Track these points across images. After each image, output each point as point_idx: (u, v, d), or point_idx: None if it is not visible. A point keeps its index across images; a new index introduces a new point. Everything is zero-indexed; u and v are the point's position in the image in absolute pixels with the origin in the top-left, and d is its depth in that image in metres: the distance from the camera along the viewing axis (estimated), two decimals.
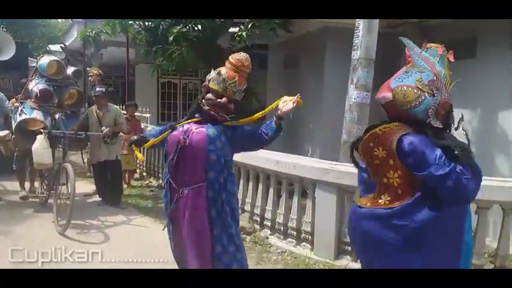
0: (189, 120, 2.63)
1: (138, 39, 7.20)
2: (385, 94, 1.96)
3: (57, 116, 5.14)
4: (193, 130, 2.54)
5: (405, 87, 1.91)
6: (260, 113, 2.75)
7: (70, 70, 5.37)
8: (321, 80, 6.58)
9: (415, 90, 1.90)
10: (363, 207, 2.02)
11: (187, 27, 6.07)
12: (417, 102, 1.89)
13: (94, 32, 6.99)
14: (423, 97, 1.89)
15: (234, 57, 2.62)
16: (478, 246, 3.43)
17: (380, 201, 1.96)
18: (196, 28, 6.38)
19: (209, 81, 2.59)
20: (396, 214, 1.87)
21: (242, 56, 2.63)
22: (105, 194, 5.57)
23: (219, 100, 2.56)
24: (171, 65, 6.43)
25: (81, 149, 5.92)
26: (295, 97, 2.56)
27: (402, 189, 1.89)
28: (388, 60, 6.34)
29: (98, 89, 5.62)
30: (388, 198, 1.93)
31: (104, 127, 5.29)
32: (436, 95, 1.91)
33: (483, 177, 1.82)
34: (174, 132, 2.57)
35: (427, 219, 1.81)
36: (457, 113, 2.02)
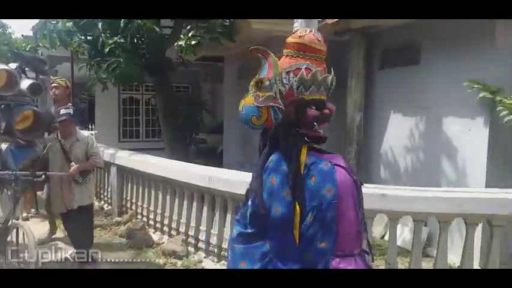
0: None
1: (80, 53, 6.86)
2: None
3: (3, 147, 4.03)
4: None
5: None
6: None
7: (25, 84, 3.85)
8: None
9: None
10: None
11: (125, 39, 5.78)
12: None
13: (30, 46, 6.62)
14: None
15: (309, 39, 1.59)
16: (440, 262, 3.26)
17: None
18: (136, 40, 6.11)
19: (299, 91, 1.57)
20: None
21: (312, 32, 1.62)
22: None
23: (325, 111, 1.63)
24: (110, 78, 6.10)
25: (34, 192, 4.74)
26: None
27: None
28: (334, 68, 6.22)
29: (63, 111, 3.94)
30: None
31: (72, 163, 3.94)
32: None
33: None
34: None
35: None
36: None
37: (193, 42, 6.23)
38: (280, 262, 1.49)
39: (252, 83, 1.67)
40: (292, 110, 1.58)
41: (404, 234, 5.07)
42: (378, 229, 5.36)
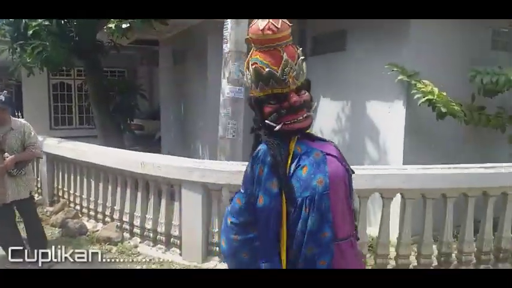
0: None
1: (0, 35, 6.41)
2: None
3: None
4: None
5: None
6: None
7: None
8: (205, 75, 6.38)
9: None
10: None
11: (51, 21, 5.49)
12: None
13: None
14: None
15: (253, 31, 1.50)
16: (382, 237, 3.51)
17: None
18: (64, 22, 5.83)
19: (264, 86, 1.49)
20: None
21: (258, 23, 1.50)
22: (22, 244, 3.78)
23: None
24: (36, 62, 5.78)
25: None
26: None
27: None
28: None
29: None
30: None
31: (6, 154, 3.61)
32: None
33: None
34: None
35: None
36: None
37: (124, 25, 6.04)
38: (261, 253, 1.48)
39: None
40: (253, 108, 1.54)
41: None
42: None
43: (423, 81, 4.26)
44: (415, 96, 4.30)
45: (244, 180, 1.55)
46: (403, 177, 3.48)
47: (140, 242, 4.18)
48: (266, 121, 1.50)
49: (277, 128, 1.47)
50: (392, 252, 3.65)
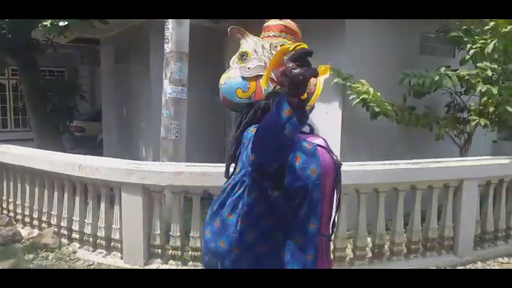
0: None
1: None
2: None
3: None
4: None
5: None
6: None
7: None
8: (148, 75, 6.28)
9: None
10: None
11: None
12: None
13: None
14: None
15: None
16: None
17: None
18: None
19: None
20: None
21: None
22: None
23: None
24: None
25: None
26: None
27: None
28: (210, 54, 6.39)
29: None
30: None
31: None
32: None
33: None
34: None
35: None
36: None
37: (61, 23, 5.80)
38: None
39: (233, 58, 1.69)
40: (283, 80, 1.38)
41: None
42: None
43: (360, 80, 4.47)
44: (350, 97, 4.51)
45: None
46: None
47: (79, 248, 4.05)
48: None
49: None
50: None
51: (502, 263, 4.09)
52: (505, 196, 4.28)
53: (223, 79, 1.68)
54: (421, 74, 4.48)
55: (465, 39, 4.70)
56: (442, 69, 4.55)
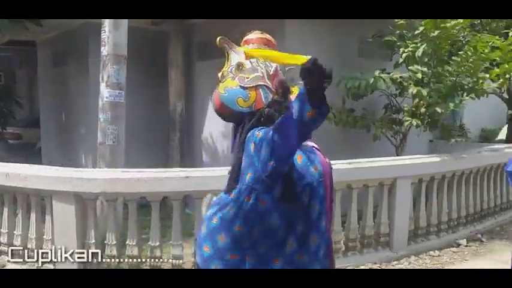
0: None
1: None
2: None
3: None
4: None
5: None
6: None
7: None
8: (87, 78, 6.05)
9: None
10: None
11: None
12: None
13: None
14: None
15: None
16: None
17: None
18: None
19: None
20: None
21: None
22: None
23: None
24: None
25: None
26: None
27: None
28: (152, 57, 6.27)
29: None
30: None
31: None
32: None
33: None
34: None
35: None
36: None
37: None
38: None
39: (224, 71, 1.74)
40: (280, 89, 1.58)
41: None
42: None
43: (299, 82, 4.54)
44: None
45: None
46: None
47: (8, 261, 3.79)
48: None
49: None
50: None
51: (433, 256, 4.31)
52: (436, 193, 4.51)
53: (223, 88, 1.71)
54: (357, 77, 4.63)
55: (398, 43, 4.91)
56: (377, 72, 4.73)
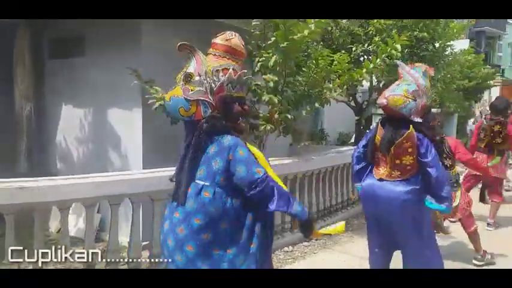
0: None
1: None
2: (382, 100, 2.84)
3: None
4: None
5: (395, 96, 2.79)
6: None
7: None
8: None
9: (403, 98, 2.76)
10: (384, 180, 2.95)
11: None
12: (403, 105, 2.76)
13: None
14: (408, 102, 2.76)
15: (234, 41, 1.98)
16: (111, 243, 3.41)
17: (393, 174, 2.91)
18: None
19: (227, 88, 1.92)
20: (411, 181, 2.87)
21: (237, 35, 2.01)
22: None
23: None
24: None
25: None
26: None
27: (411, 168, 2.86)
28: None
29: None
30: (399, 173, 2.90)
31: None
32: (417, 100, 2.78)
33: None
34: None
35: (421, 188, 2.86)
36: None
37: None
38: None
39: (179, 75, 1.83)
40: (220, 105, 1.83)
41: (79, 224, 5.12)
42: (54, 224, 5.22)
43: (155, 87, 4.47)
44: (149, 101, 4.47)
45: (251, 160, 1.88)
46: (130, 182, 3.55)
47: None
48: (238, 117, 1.93)
49: (243, 127, 1.97)
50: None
51: (287, 251, 4.65)
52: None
53: (169, 96, 1.87)
54: None
55: (254, 53, 5.18)
56: None
